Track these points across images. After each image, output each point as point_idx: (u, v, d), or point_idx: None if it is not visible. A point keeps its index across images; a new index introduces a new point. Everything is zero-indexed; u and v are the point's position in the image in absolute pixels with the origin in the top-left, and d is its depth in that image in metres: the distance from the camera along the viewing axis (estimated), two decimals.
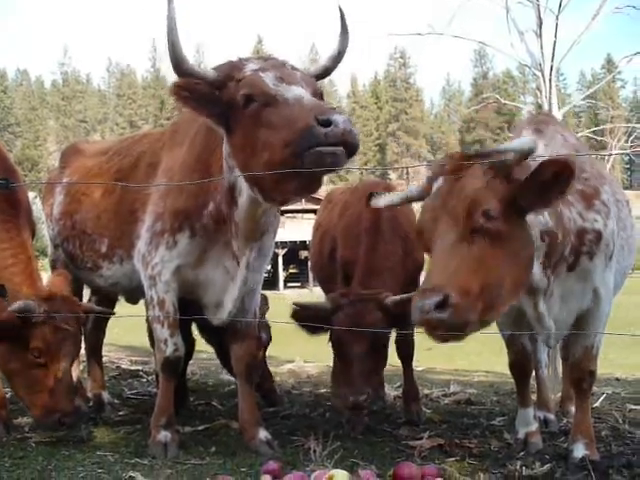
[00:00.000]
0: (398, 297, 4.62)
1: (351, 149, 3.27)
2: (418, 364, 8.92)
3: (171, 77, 3.72)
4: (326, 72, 4.10)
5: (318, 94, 3.67)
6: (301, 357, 9.23)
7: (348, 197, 5.87)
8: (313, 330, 4.76)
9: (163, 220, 4.29)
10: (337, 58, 4.10)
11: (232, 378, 7.28)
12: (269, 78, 3.57)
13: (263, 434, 4.37)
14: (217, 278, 4.29)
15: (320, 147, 3.18)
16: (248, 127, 3.57)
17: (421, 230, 3.38)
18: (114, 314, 5.16)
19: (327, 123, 3.17)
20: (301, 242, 43.01)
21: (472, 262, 3.14)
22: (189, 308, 4.56)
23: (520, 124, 4.38)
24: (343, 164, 3.29)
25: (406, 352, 5.38)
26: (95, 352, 5.92)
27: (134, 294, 4.87)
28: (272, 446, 4.32)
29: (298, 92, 3.49)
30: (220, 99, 3.66)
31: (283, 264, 50.41)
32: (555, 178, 3.21)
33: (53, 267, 5.62)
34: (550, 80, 27.17)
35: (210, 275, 4.30)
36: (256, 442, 4.32)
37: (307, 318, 4.70)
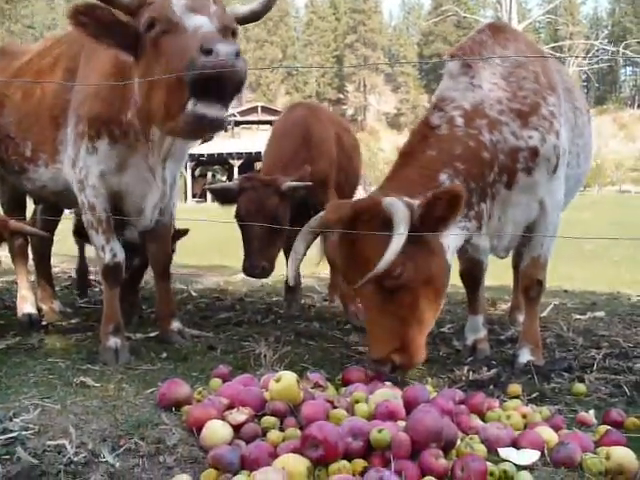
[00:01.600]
0: (294, 183, 5.20)
1: (230, 86, 3.16)
2: None
3: None
4: (253, 16, 3.90)
5: (229, 29, 3.52)
6: None
7: (284, 113, 6.41)
8: (223, 202, 5.45)
9: (82, 124, 4.20)
10: (268, 3, 3.89)
11: (184, 287, 7.37)
12: (178, 5, 3.42)
13: (176, 325, 4.76)
14: (137, 187, 4.30)
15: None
16: (148, 54, 3.47)
17: (336, 267, 3.64)
18: (45, 235, 5.03)
19: (209, 52, 3.03)
20: (256, 153, 42.65)
21: (399, 321, 3.42)
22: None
23: (455, 50, 4.29)
24: (221, 126, 3.29)
25: None
26: (42, 261, 5.84)
27: (63, 197, 4.79)
28: (183, 335, 4.74)
29: (200, 21, 3.34)
30: (129, 26, 3.53)
31: (238, 175, 50.17)
32: (448, 208, 3.33)
33: None
34: None
35: (130, 184, 4.28)
36: (169, 332, 4.69)
37: (218, 196, 5.48)
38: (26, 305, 5.36)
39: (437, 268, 3.54)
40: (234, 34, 3.59)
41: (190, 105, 3.17)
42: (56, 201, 5.16)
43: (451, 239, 3.67)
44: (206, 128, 3.31)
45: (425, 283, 3.45)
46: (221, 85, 3.13)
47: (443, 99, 3.94)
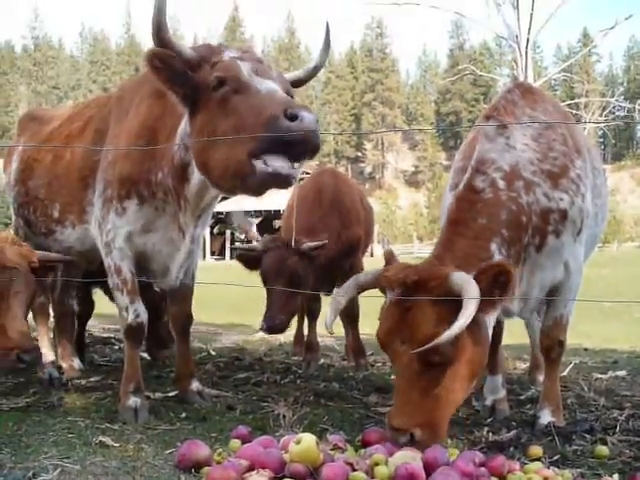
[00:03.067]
0: (313, 244, 5.44)
1: (311, 148, 3.28)
2: None
3: (147, 45, 3.66)
4: (298, 83, 4.10)
5: (290, 95, 3.65)
6: None
7: (314, 177, 6.67)
8: (249, 267, 5.66)
9: (112, 187, 4.32)
10: (312, 72, 4.13)
11: (203, 345, 7.38)
12: (245, 67, 3.56)
13: (195, 385, 4.76)
14: (164, 247, 4.40)
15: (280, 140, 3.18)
16: (214, 111, 3.55)
17: (381, 341, 3.49)
18: (70, 260, 5.06)
19: (294, 117, 3.15)
20: (275, 211, 42.92)
21: (430, 396, 3.32)
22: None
23: (491, 103, 4.36)
24: (292, 183, 3.35)
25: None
26: (63, 318, 5.89)
27: (88, 257, 4.87)
28: (203, 395, 4.72)
29: (272, 86, 3.48)
30: (191, 79, 3.63)
31: (257, 232, 50.32)
32: (496, 281, 3.33)
33: (15, 233, 5.59)
34: (526, 52, 27.20)
35: (157, 244, 4.39)
36: (188, 393, 4.69)
37: (246, 261, 5.66)
38: (46, 364, 5.39)
39: (479, 346, 3.45)
40: (292, 98, 3.70)
41: (265, 162, 3.25)
42: (80, 261, 5.23)
43: (492, 315, 3.59)
44: (278, 184, 3.38)
45: (466, 361, 3.37)
46: (301, 148, 3.25)
47: (483, 161, 3.90)
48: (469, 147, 4.27)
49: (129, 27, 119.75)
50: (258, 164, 3.26)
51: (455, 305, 3.23)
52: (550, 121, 4.16)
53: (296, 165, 3.32)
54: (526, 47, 26.58)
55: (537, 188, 3.90)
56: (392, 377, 5.51)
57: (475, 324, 3.32)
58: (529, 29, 26.41)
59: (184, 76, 3.64)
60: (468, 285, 3.26)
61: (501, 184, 3.83)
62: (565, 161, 4.03)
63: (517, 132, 4.02)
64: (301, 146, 3.24)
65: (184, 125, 3.90)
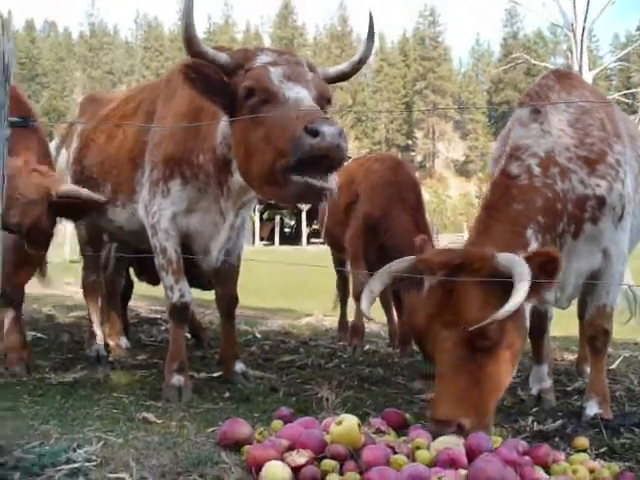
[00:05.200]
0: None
1: (336, 163, 3.23)
2: None
3: (198, 31, 3.65)
4: (343, 76, 4.04)
5: (325, 98, 3.62)
6: (320, 311, 9.26)
7: (372, 163, 6.66)
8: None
9: (157, 169, 4.37)
10: (357, 65, 4.03)
11: (249, 328, 7.41)
12: (276, 74, 3.50)
13: (239, 366, 4.80)
14: (205, 228, 4.43)
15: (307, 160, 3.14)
16: (246, 120, 3.53)
17: (420, 327, 3.39)
18: (100, 199, 4.93)
19: (315, 133, 3.09)
20: None
21: (476, 383, 3.24)
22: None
23: (523, 99, 4.28)
24: (326, 195, 3.30)
25: None
26: (113, 297, 5.99)
27: (139, 237, 4.92)
28: (247, 377, 4.78)
29: (300, 94, 3.42)
30: (228, 86, 3.63)
31: (306, 220, 50.45)
32: (542, 269, 3.25)
33: None
34: (582, 41, 26.68)
35: (199, 225, 4.42)
36: (232, 373, 4.74)
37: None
38: (94, 341, 5.48)
39: (519, 332, 3.42)
40: (329, 101, 3.69)
41: (295, 177, 3.20)
42: (131, 240, 5.29)
43: (534, 302, 3.52)
44: (311, 197, 3.37)
45: (508, 347, 3.32)
46: (325, 162, 3.19)
47: (518, 147, 3.87)
48: (506, 135, 4.21)
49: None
50: (293, 177, 3.22)
51: (501, 287, 3.19)
52: (578, 101, 4.06)
53: (329, 177, 3.26)
54: (582, 35, 26.10)
55: (573, 175, 3.84)
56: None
57: (517, 309, 3.26)
58: (585, 17, 25.92)
59: (221, 83, 3.63)
60: (519, 265, 3.21)
61: (536, 170, 3.78)
62: (602, 146, 3.94)
63: (552, 117, 3.95)
64: (326, 161, 3.18)
65: (225, 125, 3.91)
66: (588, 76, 26.18)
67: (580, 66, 26.15)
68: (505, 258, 3.28)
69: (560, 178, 3.81)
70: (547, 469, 3.01)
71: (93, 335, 5.53)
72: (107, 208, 5.00)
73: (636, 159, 4.30)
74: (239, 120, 3.60)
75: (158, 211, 4.38)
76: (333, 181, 3.26)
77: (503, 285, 3.19)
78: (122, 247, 5.83)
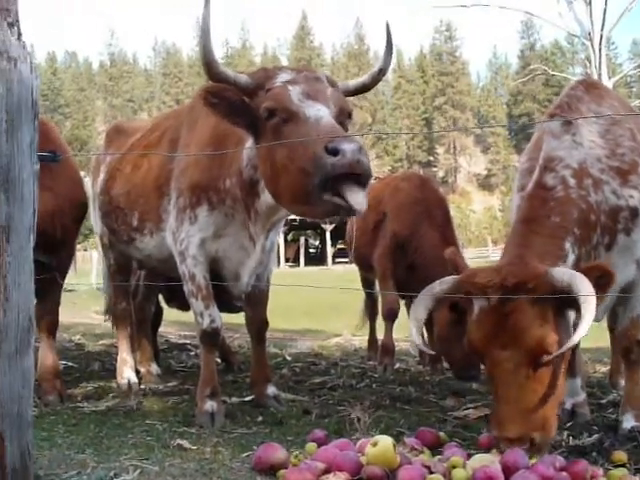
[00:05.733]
0: None
1: (362, 179, 3.22)
2: None
3: (217, 55, 3.68)
4: (364, 88, 4.06)
5: (345, 112, 3.64)
6: (349, 331, 9.26)
7: (399, 182, 6.70)
8: None
9: (184, 196, 4.39)
10: (377, 76, 4.05)
11: (279, 351, 7.42)
12: (295, 92, 3.52)
13: (271, 390, 4.77)
14: (234, 253, 4.43)
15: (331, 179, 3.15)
16: (269, 141, 3.55)
17: (476, 349, 3.33)
18: None
19: (335, 152, 3.11)
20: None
21: (541, 396, 3.21)
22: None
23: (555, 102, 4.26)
24: (359, 211, 3.28)
25: None
26: (143, 324, 6.03)
27: (168, 265, 4.96)
28: (279, 400, 4.73)
29: (320, 112, 3.44)
30: (249, 107, 3.65)
31: (331, 240, 50.50)
32: (597, 284, 3.19)
33: (100, 242, 5.91)
34: (600, 49, 26.55)
35: (228, 250, 4.43)
36: (264, 397, 4.71)
37: None
38: (126, 369, 5.51)
39: (567, 333, 3.33)
40: (350, 115, 3.70)
41: (325, 195, 3.21)
42: (160, 268, 5.33)
43: None
44: (341, 213, 3.35)
45: (564, 357, 3.30)
46: (353, 179, 3.19)
47: (552, 159, 3.80)
48: (535, 148, 4.17)
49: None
50: (321, 196, 3.22)
51: (554, 303, 3.18)
52: (616, 114, 4.04)
53: (360, 192, 3.23)
54: (600, 44, 25.97)
55: (605, 186, 3.80)
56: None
57: (564, 320, 3.27)
58: (602, 25, 25.80)
59: (242, 105, 3.66)
60: (582, 282, 3.15)
61: (571, 182, 3.72)
62: (634, 157, 3.91)
63: (583, 129, 3.92)
64: (352, 178, 3.18)
65: (251, 145, 3.92)
66: (608, 84, 26.03)
67: (599, 74, 26.03)
68: (563, 274, 3.23)
69: (593, 189, 3.76)
70: None
71: (124, 362, 5.55)
72: (135, 237, 5.05)
73: None
74: (261, 140, 3.63)
75: (186, 238, 4.40)
76: (362, 196, 3.24)
77: (556, 301, 3.18)
78: (151, 275, 5.87)
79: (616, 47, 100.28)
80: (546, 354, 3.15)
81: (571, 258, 3.55)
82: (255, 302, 4.82)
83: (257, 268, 4.56)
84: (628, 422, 3.94)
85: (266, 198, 3.99)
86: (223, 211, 4.30)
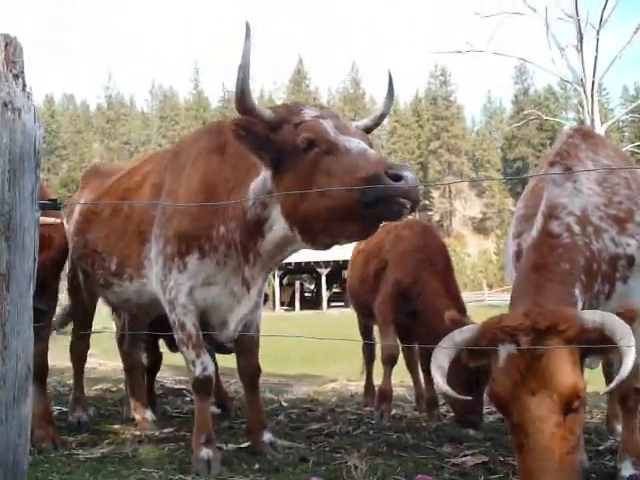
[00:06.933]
0: None
1: (415, 206, 3.35)
2: None
3: (213, 99, 3.74)
4: (366, 130, 4.12)
5: (372, 147, 3.71)
6: (345, 376, 9.21)
7: (400, 230, 6.62)
8: None
9: (171, 244, 4.38)
10: (379, 119, 4.19)
11: (274, 397, 7.38)
12: (329, 126, 3.60)
13: (267, 436, 4.74)
14: (224, 300, 4.43)
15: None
16: (305, 172, 3.57)
17: (502, 397, 3.23)
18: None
19: (398, 178, 3.21)
20: (344, 262, 42.94)
21: (571, 444, 3.13)
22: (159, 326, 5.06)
23: (552, 150, 4.31)
24: (404, 218, 3.43)
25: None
26: (134, 370, 6.02)
27: (145, 309, 4.96)
28: (275, 447, 4.70)
29: (362, 145, 3.53)
30: (274, 142, 3.67)
31: (326, 284, 50.41)
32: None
33: (70, 283, 5.91)
34: (592, 95, 26.93)
35: (218, 297, 4.42)
36: (260, 444, 4.67)
37: None
38: (77, 408, 5.63)
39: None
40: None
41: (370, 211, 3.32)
42: (140, 312, 5.33)
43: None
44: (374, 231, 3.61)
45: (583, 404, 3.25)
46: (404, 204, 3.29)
47: (555, 206, 3.79)
48: (532, 195, 4.21)
49: (197, 83, 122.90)
50: (367, 212, 3.33)
51: (582, 347, 3.17)
52: (618, 167, 4.09)
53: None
54: (592, 90, 26.30)
55: (605, 234, 3.82)
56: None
57: (583, 365, 3.24)
58: (594, 71, 26.15)
59: (267, 139, 3.68)
60: (620, 324, 3.14)
61: (576, 229, 3.72)
62: (630, 205, 3.94)
63: (583, 177, 3.95)
64: (408, 203, 3.28)
65: (261, 183, 3.94)
66: (600, 129, 26.28)
67: (592, 120, 26.29)
68: (593, 314, 3.22)
69: (595, 237, 3.76)
70: None
71: (77, 401, 5.73)
72: (113, 282, 5.05)
73: None
74: (293, 173, 3.63)
75: (175, 286, 4.39)
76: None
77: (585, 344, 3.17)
78: (134, 320, 5.88)
79: (607, 92, 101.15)
80: (578, 400, 3.10)
81: (579, 306, 3.54)
82: (246, 350, 4.81)
83: (247, 315, 4.56)
84: (627, 470, 3.94)
85: (272, 237, 4.01)
86: (215, 258, 4.29)
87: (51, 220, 4.55)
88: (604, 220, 3.84)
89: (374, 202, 3.26)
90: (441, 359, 3.50)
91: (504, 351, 3.24)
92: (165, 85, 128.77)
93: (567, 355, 3.14)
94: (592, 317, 3.18)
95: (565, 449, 3.08)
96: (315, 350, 14.64)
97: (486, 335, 3.35)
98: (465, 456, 4.53)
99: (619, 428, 4.87)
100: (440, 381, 3.49)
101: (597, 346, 3.14)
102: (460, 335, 3.48)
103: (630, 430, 4.09)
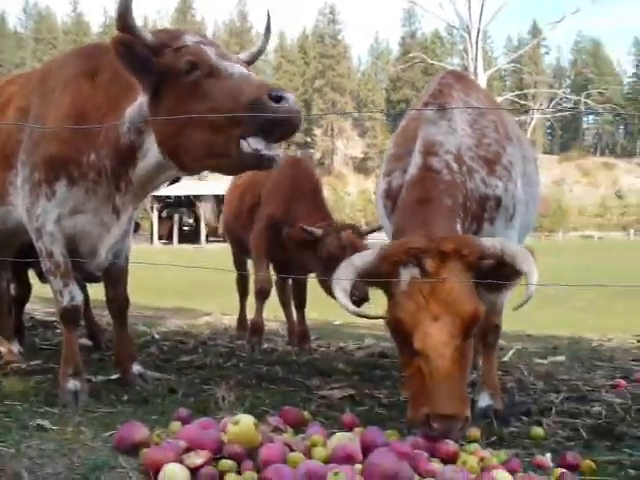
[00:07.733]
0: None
1: (294, 129, 3.36)
2: (337, 318, 9.11)
3: (94, 24, 3.59)
4: (252, 60, 4.13)
5: None
6: (220, 310, 9.23)
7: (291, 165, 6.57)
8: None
9: (39, 170, 4.20)
10: (256, 55, 4.17)
11: (147, 329, 7.33)
12: (211, 52, 3.57)
13: (136, 368, 4.74)
14: (93, 229, 4.31)
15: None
16: (185, 96, 3.52)
17: (405, 322, 3.22)
18: None
19: (279, 99, 3.22)
20: (223, 197, 42.78)
21: (466, 370, 3.24)
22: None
23: (426, 91, 4.37)
24: (277, 164, 3.41)
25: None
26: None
27: (10, 238, 4.80)
28: (145, 378, 4.71)
29: (243, 70, 3.51)
30: (156, 65, 3.58)
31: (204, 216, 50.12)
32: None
33: None
34: (477, 42, 27.63)
35: (87, 226, 4.30)
36: (130, 375, 4.67)
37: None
38: None
39: None
40: None
41: (249, 144, 3.31)
42: (5, 241, 5.13)
43: None
44: (263, 165, 3.43)
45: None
46: (285, 129, 3.34)
47: (432, 144, 3.81)
48: (403, 134, 4.28)
49: (76, 5, 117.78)
50: (244, 146, 3.32)
51: (482, 271, 3.28)
52: (486, 107, 4.21)
53: (275, 146, 3.38)
54: (477, 37, 26.88)
55: (476, 174, 3.92)
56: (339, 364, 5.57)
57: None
58: (480, 19, 26.71)
59: (148, 61, 3.58)
60: (517, 248, 3.28)
61: (455, 166, 3.77)
62: (497, 148, 4.06)
63: (457, 116, 4.03)
64: (285, 127, 3.32)
65: (137, 109, 3.83)
66: (483, 76, 26.91)
67: (475, 67, 26.91)
68: (492, 241, 3.34)
69: (468, 176, 3.85)
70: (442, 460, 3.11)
71: None
72: None
73: (522, 159, 4.45)
74: (171, 97, 3.58)
75: (43, 214, 4.22)
76: (280, 152, 3.39)
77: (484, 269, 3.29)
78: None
79: (492, 41, 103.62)
80: (477, 323, 3.22)
81: None
82: (114, 280, 4.72)
83: (116, 244, 4.47)
84: (483, 401, 4.12)
85: (145, 164, 3.93)
86: (84, 186, 4.14)
87: None
88: (475, 161, 3.93)
89: (255, 129, 3.28)
90: (341, 283, 3.46)
91: (407, 274, 3.26)
92: (41, 4, 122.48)
93: (469, 278, 3.24)
94: (492, 243, 3.29)
95: (463, 373, 3.20)
96: (192, 284, 14.61)
97: (388, 258, 3.33)
98: (333, 389, 4.62)
99: (480, 363, 5.10)
100: (346, 303, 3.45)
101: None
102: (360, 259, 3.47)
103: (489, 364, 4.28)
